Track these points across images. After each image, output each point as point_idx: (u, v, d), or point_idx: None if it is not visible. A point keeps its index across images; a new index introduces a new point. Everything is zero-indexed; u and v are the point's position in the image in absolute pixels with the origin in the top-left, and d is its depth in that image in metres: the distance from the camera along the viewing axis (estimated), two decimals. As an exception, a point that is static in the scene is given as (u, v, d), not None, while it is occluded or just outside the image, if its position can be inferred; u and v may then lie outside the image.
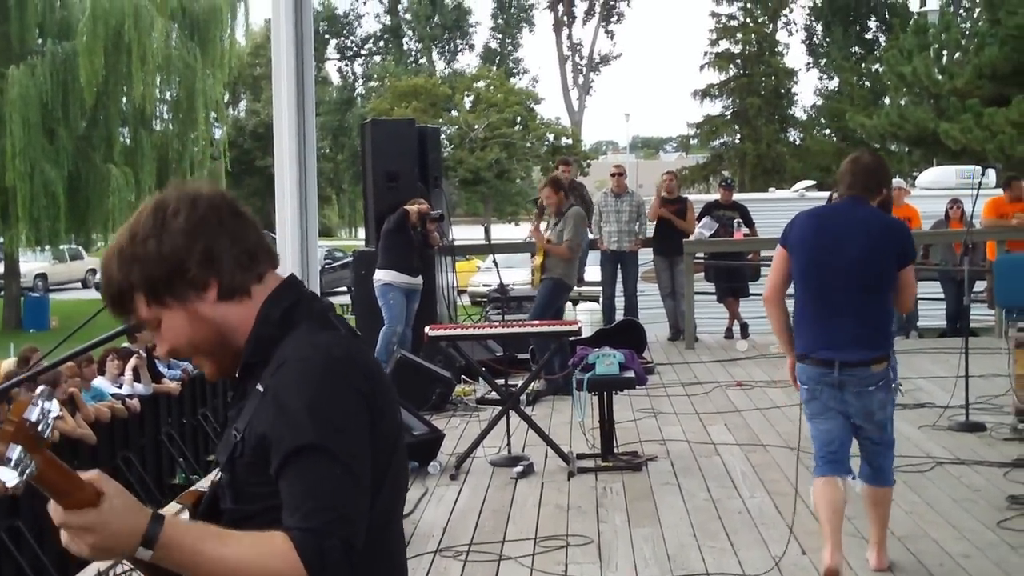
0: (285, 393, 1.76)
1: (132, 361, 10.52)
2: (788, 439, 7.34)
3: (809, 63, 48.54)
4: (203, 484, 7.84)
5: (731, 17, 45.35)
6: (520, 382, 8.00)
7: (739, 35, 45.07)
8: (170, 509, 1.84)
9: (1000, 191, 12.47)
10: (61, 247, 28.99)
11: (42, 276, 32.27)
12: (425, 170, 11.13)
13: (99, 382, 10.12)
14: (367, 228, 11.88)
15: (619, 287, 12.32)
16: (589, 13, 53.26)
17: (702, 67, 45.47)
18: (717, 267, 13.00)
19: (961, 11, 31.30)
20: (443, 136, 37.02)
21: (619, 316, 11.99)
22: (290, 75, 11.44)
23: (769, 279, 4.93)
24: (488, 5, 60.81)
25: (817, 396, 4.77)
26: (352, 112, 48.30)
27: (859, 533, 5.39)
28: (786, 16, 47.13)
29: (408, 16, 54.56)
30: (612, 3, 53.05)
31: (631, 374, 7.18)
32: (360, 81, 55.89)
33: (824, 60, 46.98)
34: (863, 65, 41.47)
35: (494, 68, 51.02)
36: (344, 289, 24.01)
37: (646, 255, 12.76)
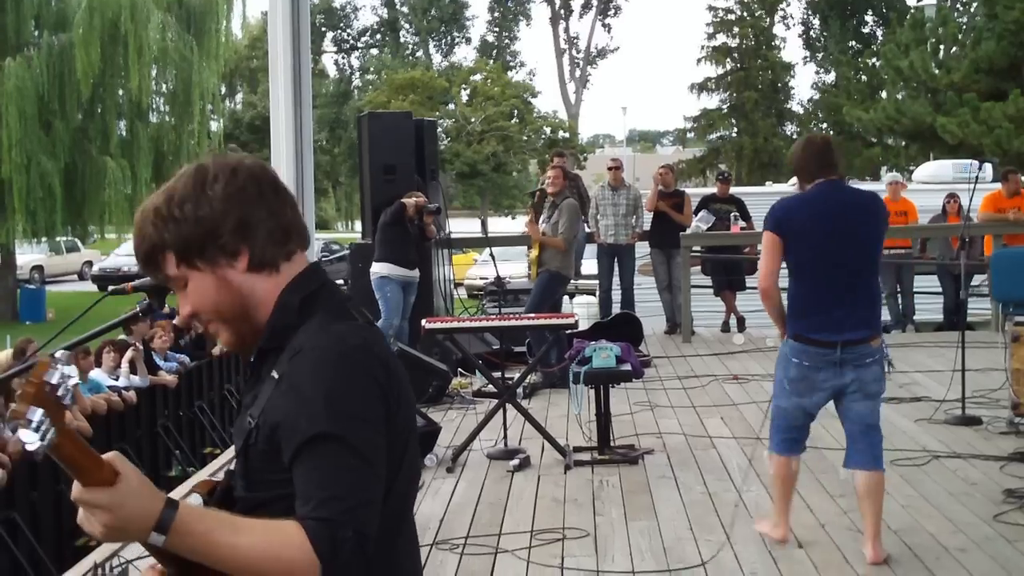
0: (300, 381, 1.76)
1: (128, 353, 10.50)
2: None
3: (806, 57, 48.57)
4: (206, 473, 7.84)
5: (728, 11, 45.35)
6: (517, 375, 8.00)
7: (736, 29, 45.07)
8: (192, 501, 1.83)
9: (997, 185, 12.47)
10: (57, 239, 28.95)
11: (38, 268, 32.23)
12: (422, 163, 11.12)
13: (96, 374, 10.11)
14: (364, 221, 11.87)
15: (616, 280, 12.32)
16: (586, 7, 53.20)
17: (699, 61, 45.50)
18: (714, 260, 13.00)
19: (958, 5, 31.32)
20: (440, 129, 37.05)
21: (616, 309, 11.99)
22: (287, 68, 11.44)
23: (765, 268, 4.91)
24: (485, -2, 60.81)
25: (810, 375, 4.89)
26: (349, 105, 48.27)
27: (855, 526, 5.39)
28: (783, 10, 47.15)
29: (405, 9, 54.52)
30: (609, -4, 53.00)
31: (628, 367, 7.18)
32: (357, 74, 55.87)
33: (821, 54, 47.02)
34: (860, 59, 41.48)
35: (491, 61, 50.97)
36: (341, 282, 24.04)
37: (643, 248, 12.77)
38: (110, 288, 3.13)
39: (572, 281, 10.32)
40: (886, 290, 13.20)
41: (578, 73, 53.38)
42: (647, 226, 12.56)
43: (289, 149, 11.47)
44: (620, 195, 12.24)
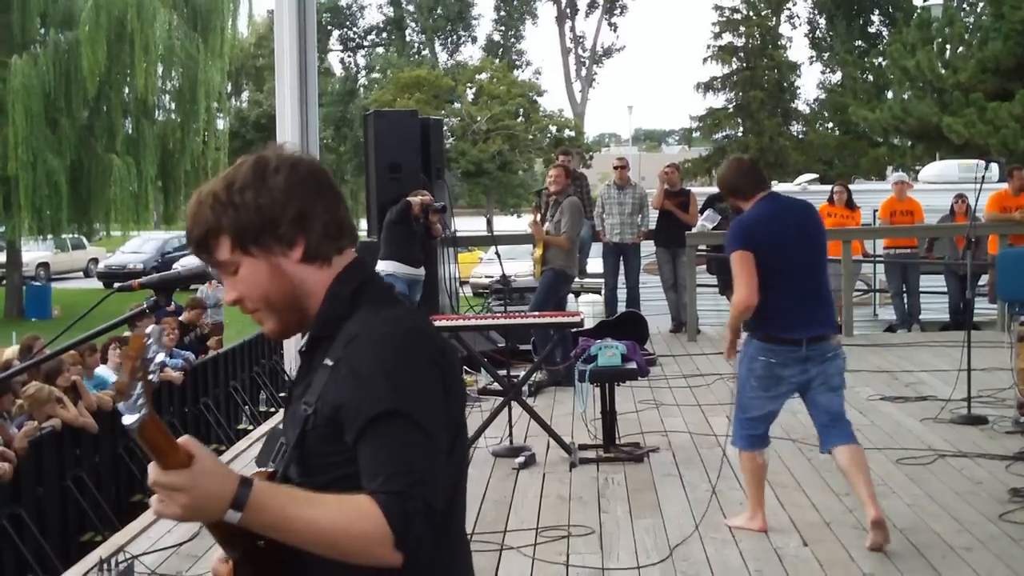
0: (362, 363, 1.80)
1: (134, 350, 10.50)
2: (789, 431, 7.34)
3: (812, 57, 48.47)
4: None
5: (734, 10, 45.25)
6: (522, 373, 8.00)
7: (742, 28, 44.98)
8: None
9: (1004, 185, 12.46)
10: (63, 236, 28.97)
11: (44, 265, 32.29)
12: (428, 161, 11.12)
13: (102, 371, 10.12)
14: (369, 219, 11.88)
15: (621, 279, 12.31)
16: (592, 5, 53.22)
17: (705, 60, 45.37)
18: (719, 259, 12.96)
19: (965, 5, 31.23)
20: (446, 128, 37.04)
21: (621, 308, 11.99)
22: (293, 66, 11.46)
23: (748, 285, 5.16)
24: (491, -3, 60.80)
25: (776, 372, 5.21)
26: (355, 103, 48.23)
27: (860, 525, 5.39)
28: (789, 9, 47.03)
29: (411, 7, 54.51)
30: (615, -5, 52.99)
31: (633, 365, 7.19)
32: (363, 72, 55.85)
33: (827, 54, 46.93)
34: (866, 59, 41.42)
35: (497, 60, 50.96)
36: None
37: (648, 247, 12.76)
38: (116, 285, 3.14)
39: (577, 280, 10.32)
40: (892, 290, 13.21)
41: (584, 72, 53.39)
42: (653, 225, 12.56)
43: (295, 147, 11.51)
44: (626, 194, 12.24)
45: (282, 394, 13.24)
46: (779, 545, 5.20)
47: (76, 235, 30.39)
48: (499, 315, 8.30)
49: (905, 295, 12.90)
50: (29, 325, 21.89)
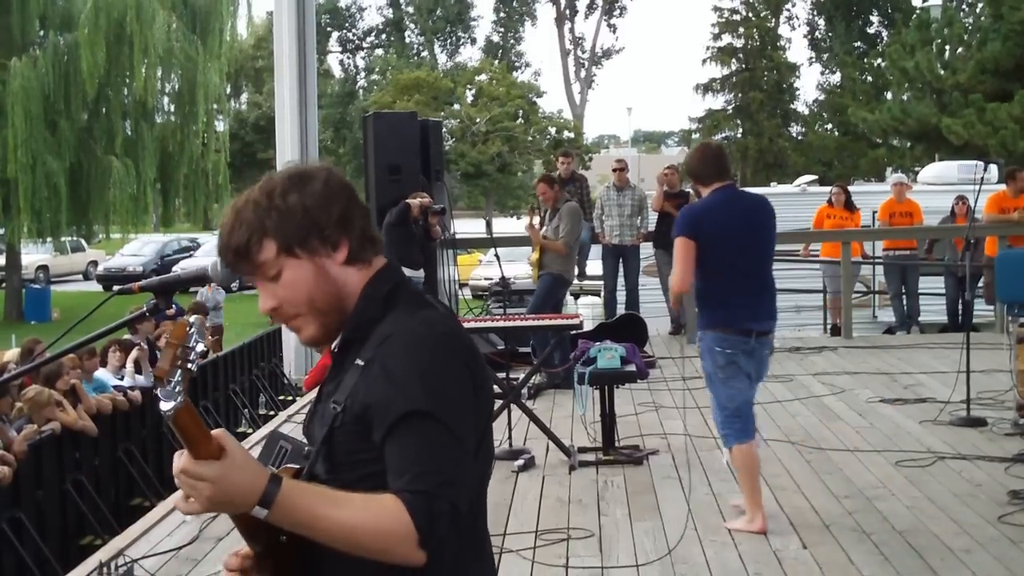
0: (394, 362, 1.82)
1: (134, 353, 10.52)
2: (788, 433, 7.35)
3: (811, 58, 48.55)
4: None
5: (733, 11, 45.36)
6: (521, 376, 8.00)
7: (741, 29, 45.07)
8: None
9: (1002, 186, 12.46)
10: (63, 239, 28.93)
11: (43, 268, 32.27)
12: (427, 163, 11.11)
13: (101, 374, 10.13)
14: (369, 221, 11.85)
15: (620, 281, 12.31)
16: (591, 7, 53.26)
17: (704, 61, 45.50)
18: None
19: (964, 6, 31.26)
20: (445, 129, 37.00)
21: (620, 310, 11.99)
22: (292, 68, 11.48)
23: (685, 271, 5.28)
24: (490, -2, 60.77)
25: (735, 360, 5.30)
26: (354, 105, 48.27)
27: (859, 527, 5.39)
28: (788, 11, 47.15)
29: (410, 9, 54.56)
30: (614, -3, 53.02)
31: (632, 368, 7.19)
32: (362, 74, 55.89)
33: (826, 55, 46.98)
34: (865, 60, 41.46)
35: (496, 62, 51.00)
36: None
37: (648, 249, 12.75)
38: (116, 288, 3.14)
39: (577, 282, 10.31)
40: (891, 291, 13.20)
41: (583, 73, 53.43)
42: (652, 227, 12.55)
43: (294, 149, 11.51)
44: (625, 196, 12.24)
45: (281, 397, 13.24)
46: (778, 547, 5.20)
47: (75, 237, 30.37)
48: (498, 317, 8.29)
49: (904, 297, 12.90)
50: (28, 328, 21.90)
